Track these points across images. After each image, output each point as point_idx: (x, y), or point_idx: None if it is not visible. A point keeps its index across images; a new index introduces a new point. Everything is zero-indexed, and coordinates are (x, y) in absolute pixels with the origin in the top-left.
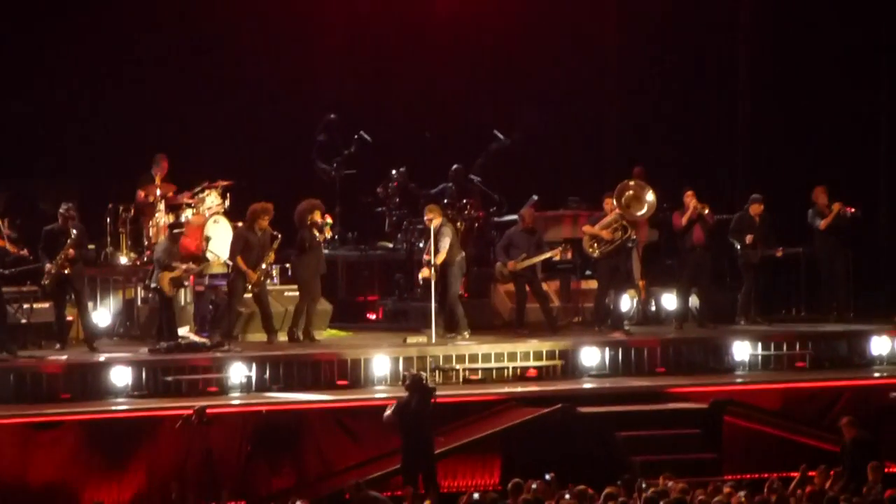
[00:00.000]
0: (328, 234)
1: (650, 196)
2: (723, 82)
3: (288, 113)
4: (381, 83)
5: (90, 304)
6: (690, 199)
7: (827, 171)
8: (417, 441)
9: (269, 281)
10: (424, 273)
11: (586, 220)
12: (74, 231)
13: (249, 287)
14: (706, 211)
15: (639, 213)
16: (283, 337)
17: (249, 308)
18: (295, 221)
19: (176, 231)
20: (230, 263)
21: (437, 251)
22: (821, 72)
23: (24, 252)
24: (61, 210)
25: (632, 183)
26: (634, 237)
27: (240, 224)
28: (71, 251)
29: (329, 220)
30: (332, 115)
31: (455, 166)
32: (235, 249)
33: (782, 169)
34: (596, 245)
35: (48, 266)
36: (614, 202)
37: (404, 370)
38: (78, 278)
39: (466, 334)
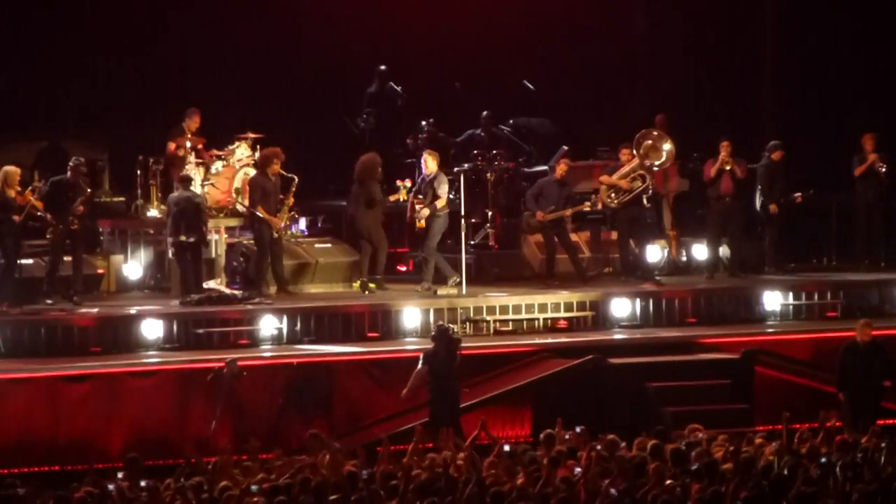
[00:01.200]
0: (403, 198)
1: (668, 146)
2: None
3: (316, 65)
4: (409, 33)
5: (121, 257)
6: (723, 150)
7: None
8: (444, 393)
9: (295, 230)
10: (424, 213)
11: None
12: (87, 188)
13: (275, 234)
14: (728, 167)
15: (657, 163)
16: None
17: (296, 258)
18: (357, 174)
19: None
20: (253, 212)
21: (436, 196)
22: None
23: (48, 217)
24: (71, 163)
25: (651, 132)
26: (652, 187)
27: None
28: (81, 207)
29: (408, 183)
30: (383, 67)
31: (485, 113)
32: (255, 198)
33: (811, 117)
34: (614, 195)
35: (50, 219)
36: (633, 151)
37: (435, 322)
38: (84, 234)
39: (454, 280)
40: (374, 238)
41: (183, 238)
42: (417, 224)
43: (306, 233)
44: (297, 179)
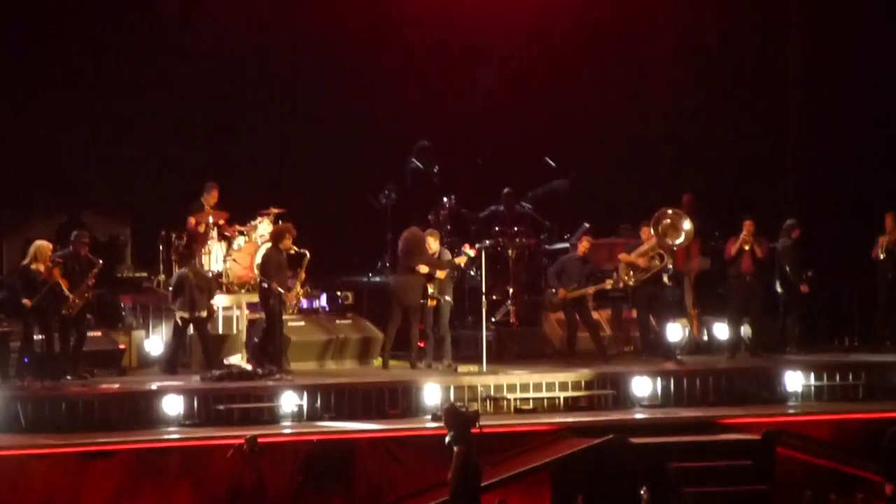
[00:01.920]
0: (461, 262)
1: (687, 225)
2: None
3: (337, 140)
4: (431, 109)
5: (143, 332)
6: (745, 229)
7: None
8: (467, 472)
9: (316, 306)
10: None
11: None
12: (96, 260)
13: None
14: (748, 247)
15: (676, 242)
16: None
17: (319, 334)
18: (401, 249)
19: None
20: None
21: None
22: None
23: (72, 296)
24: (73, 237)
25: (669, 211)
26: (671, 266)
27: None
28: (92, 280)
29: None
30: (425, 142)
31: (506, 189)
32: (271, 273)
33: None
34: (632, 273)
35: (69, 294)
36: (651, 230)
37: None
38: (103, 309)
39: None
40: (414, 313)
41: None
42: (429, 302)
43: (327, 308)
44: (308, 255)
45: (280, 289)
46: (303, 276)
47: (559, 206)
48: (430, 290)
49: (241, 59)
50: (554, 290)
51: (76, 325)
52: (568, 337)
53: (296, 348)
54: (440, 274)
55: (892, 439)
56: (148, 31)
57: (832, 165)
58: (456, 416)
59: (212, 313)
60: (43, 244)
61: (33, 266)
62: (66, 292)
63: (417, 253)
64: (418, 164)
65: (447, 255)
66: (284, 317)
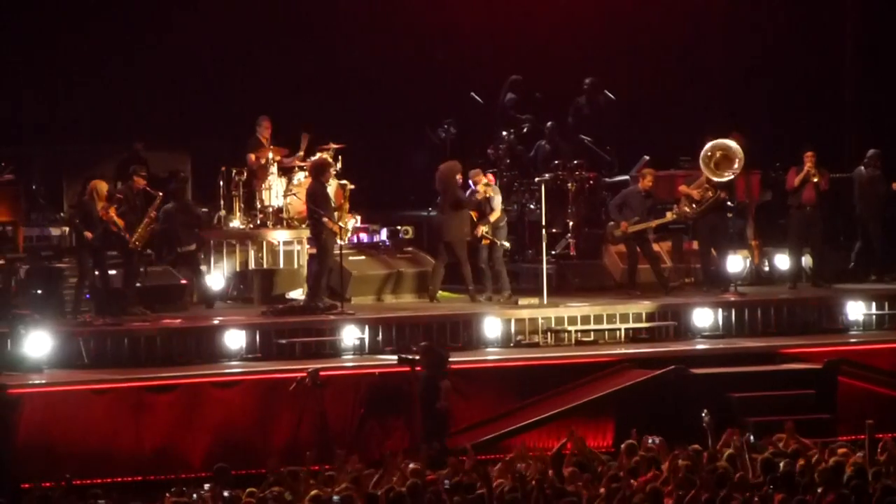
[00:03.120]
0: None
1: (738, 156)
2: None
3: (395, 75)
4: (490, 46)
5: (204, 268)
6: (808, 161)
7: None
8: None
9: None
10: (483, 230)
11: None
12: (157, 193)
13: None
14: (815, 179)
15: (725, 174)
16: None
17: (379, 269)
18: (438, 183)
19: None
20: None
21: (492, 210)
22: None
23: (127, 235)
24: (130, 171)
25: (722, 142)
26: (725, 196)
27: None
28: (154, 213)
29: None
30: (516, 76)
31: (549, 124)
32: (323, 206)
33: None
34: (694, 205)
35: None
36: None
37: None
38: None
39: (486, 295)
40: (458, 248)
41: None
42: (483, 241)
43: (388, 243)
44: (350, 186)
45: (330, 222)
46: (346, 206)
47: (617, 133)
48: (485, 229)
49: None
50: (615, 224)
51: (130, 260)
52: (629, 269)
53: (356, 282)
54: (492, 216)
55: None
56: None
57: (889, 97)
58: (432, 354)
59: (200, 247)
60: (99, 183)
61: (92, 204)
62: (123, 231)
63: (449, 187)
64: (513, 96)
65: (496, 192)
66: (345, 251)
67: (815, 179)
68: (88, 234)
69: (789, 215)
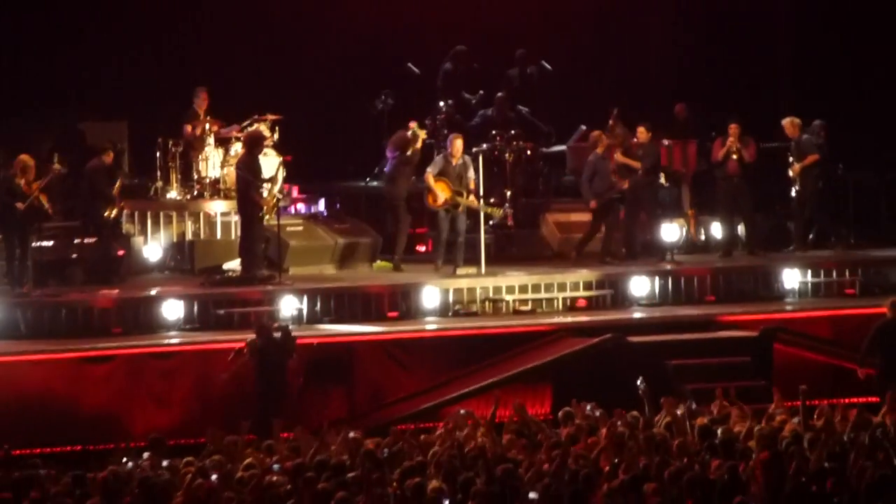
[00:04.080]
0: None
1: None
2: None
3: (327, 47)
4: (425, 15)
5: (141, 239)
6: (731, 133)
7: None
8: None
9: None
10: (473, 202)
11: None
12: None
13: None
14: (735, 155)
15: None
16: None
17: (317, 240)
18: (390, 148)
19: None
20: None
21: (468, 182)
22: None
23: (50, 210)
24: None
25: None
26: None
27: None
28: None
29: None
30: (461, 47)
31: (499, 94)
32: (252, 178)
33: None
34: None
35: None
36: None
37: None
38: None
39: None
40: (399, 215)
41: None
42: (444, 202)
43: (325, 214)
44: (283, 160)
45: (257, 195)
46: (278, 180)
47: (552, 105)
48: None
49: None
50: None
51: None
52: (584, 238)
53: (295, 253)
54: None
55: (876, 331)
56: None
57: (824, 66)
58: (267, 333)
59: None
60: (25, 158)
61: (17, 179)
62: (47, 206)
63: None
64: (449, 66)
65: (469, 163)
66: (284, 222)
67: (736, 155)
68: (19, 206)
69: (717, 186)
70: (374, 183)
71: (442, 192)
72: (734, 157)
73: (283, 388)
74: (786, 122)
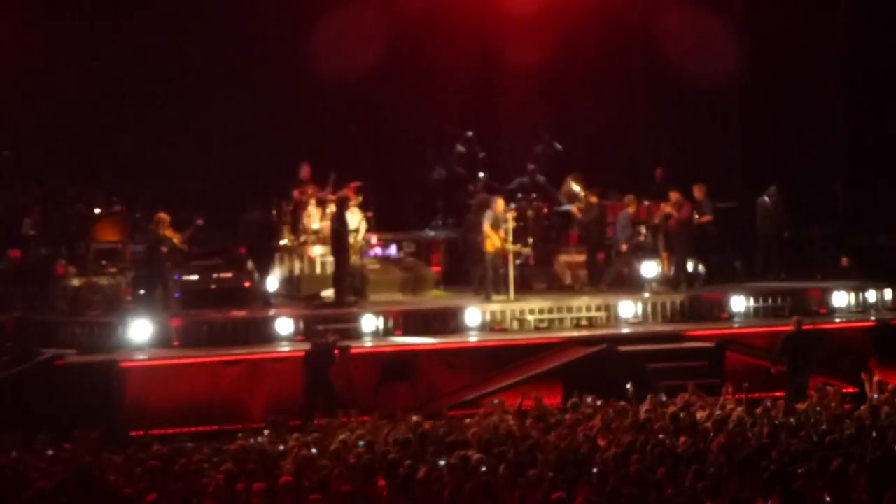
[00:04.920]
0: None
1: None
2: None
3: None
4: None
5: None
6: (668, 203)
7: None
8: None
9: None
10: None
11: (618, 208)
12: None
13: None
14: (668, 218)
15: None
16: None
17: (374, 275)
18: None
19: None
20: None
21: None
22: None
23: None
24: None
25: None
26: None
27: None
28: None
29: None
30: (470, 133)
31: (531, 166)
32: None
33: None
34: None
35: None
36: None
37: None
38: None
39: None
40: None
41: None
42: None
43: (396, 255)
44: (365, 217)
45: (345, 242)
46: (361, 230)
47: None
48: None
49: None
50: (619, 244)
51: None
52: (612, 272)
53: (373, 284)
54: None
55: (784, 340)
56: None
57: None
58: (316, 348)
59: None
60: (162, 215)
61: (160, 231)
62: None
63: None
64: (463, 149)
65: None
66: (365, 262)
67: (667, 216)
68: (164, 249)
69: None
70: (432, 233)
71: (496, 240)
72: (667, 218)
73: (326, 388)
74: (695, 187)
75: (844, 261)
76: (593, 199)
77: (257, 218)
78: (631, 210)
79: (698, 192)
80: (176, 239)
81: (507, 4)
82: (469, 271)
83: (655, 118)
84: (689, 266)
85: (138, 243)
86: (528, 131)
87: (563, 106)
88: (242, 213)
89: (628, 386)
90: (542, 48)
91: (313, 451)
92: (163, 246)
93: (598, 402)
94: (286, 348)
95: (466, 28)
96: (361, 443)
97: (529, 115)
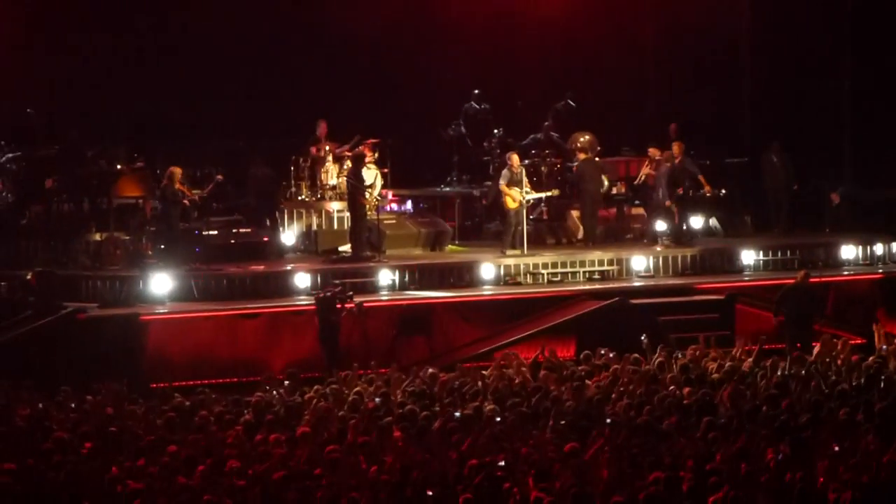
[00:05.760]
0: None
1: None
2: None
3: (415, 85)
4: (485, 66)
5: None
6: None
7: None
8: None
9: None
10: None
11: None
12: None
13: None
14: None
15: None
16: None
17: (391, 230)
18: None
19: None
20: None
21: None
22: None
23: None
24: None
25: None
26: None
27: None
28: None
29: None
30: (476, 91)
31: (546, 123)
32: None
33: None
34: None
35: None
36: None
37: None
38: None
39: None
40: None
41: None
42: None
43: (412, 211)
44: (379, 173)
45: (361, 196)
46: (377, 186)
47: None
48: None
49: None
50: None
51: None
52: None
53: (390, 239)
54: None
55: (784, 291)
56: None
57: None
58: (321, 301)
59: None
60: (175, 169)
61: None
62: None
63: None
64: (475, 105)
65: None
66: (381, 217)
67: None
68: (186, 202)
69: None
70: (447, 189)
71: (516, 196)
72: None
73: (335, 340)
74: (673, 145)
75: (834, 197)
76: (582, 156)
77: (263, 173)
78: (671, 164)
79: (676, 149)
80: (188, 192)
81: None
82: (483, 226)
83: (667, 76)
84: (701, 222)
85: (158, 199)
86: (542, 88)
87: (576, 63)
88: (248, 168)
89: (643, 338)
90: (555, 4)
91: (331, 402)
92: (175, 199)
93: (611, 355)
94: (304, 302)
95: None
96: (378, 399)
97: (544, 72)
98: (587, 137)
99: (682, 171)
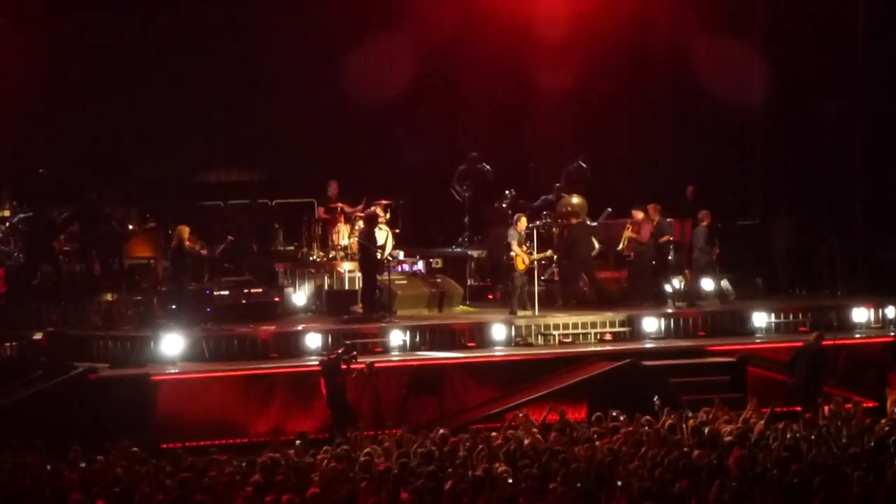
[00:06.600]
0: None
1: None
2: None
3: (428, 147)
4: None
5: (291, 289)
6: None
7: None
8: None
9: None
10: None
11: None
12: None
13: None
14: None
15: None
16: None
17: (402, 290)
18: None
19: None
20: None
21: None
22: None
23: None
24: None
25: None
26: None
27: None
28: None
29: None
30: (474, 153)
31: (557, 185)
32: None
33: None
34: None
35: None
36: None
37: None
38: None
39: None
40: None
41: None
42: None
43: (423, 271)
44: (390, 233)
45: (372, 258)
46: (388, 247)
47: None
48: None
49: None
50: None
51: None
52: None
53: (401, 299)
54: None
55: (797, 353)
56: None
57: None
58: (327, 364)
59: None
60: (182, 227)
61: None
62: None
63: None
64: (463, 167)
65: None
66: (392, 277)
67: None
68: (202, 251)
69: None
70: (458, 249)
71: (526, 258)
72: (626, 240)
73: (343, 402)
74: (650, 208)
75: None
76: (574, 220)
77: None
78: (705, 224)
79: (653, 212)
80: (198, 246)
81: (537, 29)
82: (491, 285)
83: (680, 138)
84: (713, 284)
85: (169, 259)
86: (555, 151)
87: (590, 127)
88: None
89: (656, 399)
90: (571, 71)
91: (341, 464)
92: (185, 257)
93: (622, 417)
94: (314, 362)
95: (497, 51)
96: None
97: (557, 136)
98: (578, 200)
99: (714, 231)
